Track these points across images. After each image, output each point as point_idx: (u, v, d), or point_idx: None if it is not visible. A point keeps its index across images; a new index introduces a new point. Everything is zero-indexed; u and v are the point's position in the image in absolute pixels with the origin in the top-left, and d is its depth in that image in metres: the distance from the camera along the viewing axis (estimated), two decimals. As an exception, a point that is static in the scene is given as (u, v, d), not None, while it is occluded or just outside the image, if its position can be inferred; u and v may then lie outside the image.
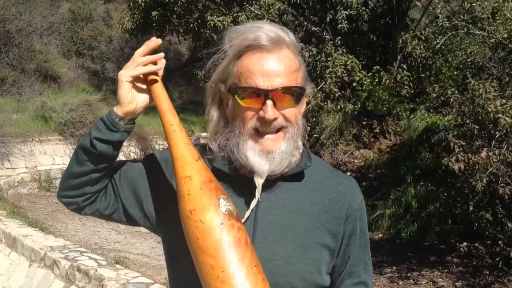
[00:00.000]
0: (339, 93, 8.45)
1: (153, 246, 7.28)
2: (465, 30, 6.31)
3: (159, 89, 1.29)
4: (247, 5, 9.04)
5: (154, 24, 10.42)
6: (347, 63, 8.18)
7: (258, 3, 8.61)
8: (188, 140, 1.25)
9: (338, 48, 8.29)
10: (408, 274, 5.85)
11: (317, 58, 8.34)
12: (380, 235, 7.32)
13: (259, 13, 8.49)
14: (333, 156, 9.64)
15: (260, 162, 1.24)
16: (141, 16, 10.38)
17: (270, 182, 1.30)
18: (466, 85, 5.67)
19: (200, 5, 9.62)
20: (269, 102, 1.22)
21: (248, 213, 1.26)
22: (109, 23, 22.91)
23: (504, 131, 4.96)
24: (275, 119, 1.24)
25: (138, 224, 1.42)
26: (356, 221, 1.36)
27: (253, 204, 1.27)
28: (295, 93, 1.27)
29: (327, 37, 8.66)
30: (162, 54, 1.29)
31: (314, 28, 9.10)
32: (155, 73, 1.30)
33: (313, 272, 1.29)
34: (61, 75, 19.71)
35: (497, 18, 6.03)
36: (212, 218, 1.15)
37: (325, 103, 8.20)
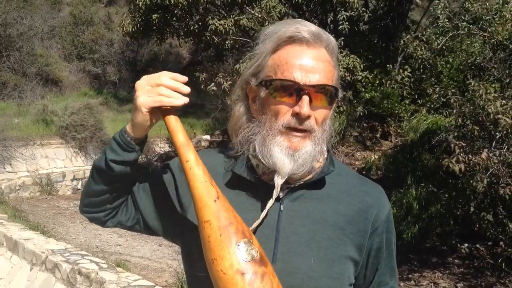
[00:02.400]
0: (341, 95, 8.46)
1: (154, 249, 7.28)
2: (466, 30, 6.31)
3: (173, 121, 1.21)
4: (248, 8, 9.06)
5: (154, 27, 10.43)
6: (349, 62, 8.18)
7: (259, 6, 8.62)
8: (206, 177, 1.17)
9: (342, 50, 8.29)
10: (410, 276, 5.84)
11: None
12: (382, 237, 7.30)
13: (260, 16, 8.50)
14: (334, 157, 9.64)
15: (284, 160, 1.19)
16: (141, 19, 10.38)
17: (293, 190, 1.26)
18: (467, 86, 5.68)
19: (200, 8, 9.63)
20: (305, 98, 1.18)
21: (263, 214, 1.21)
22: (110, 27, 22.95)
23: (505, 132, 4.96)
24: (309, 117, 1.19)
25: (156, 233, 1.40)
26: (383, 233, 1.32)
27: (269, 204, 1.21)
28: (329, 93, 1.22)
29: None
30: (188, 89, 1.20)
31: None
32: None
33: (336, 286, 1.24)
34: (62, 78, 19.76)
35: (497, 19, 6.03)
36: (233, 269, 1.10)
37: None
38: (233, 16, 8.86)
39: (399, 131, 9.65)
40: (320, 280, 1.22)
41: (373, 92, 9.06)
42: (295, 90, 1.19)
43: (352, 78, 8.36)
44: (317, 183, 1.28)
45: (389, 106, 9.18)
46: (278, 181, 1.21)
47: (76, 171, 12.22)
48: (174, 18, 10.21)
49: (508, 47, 5.92)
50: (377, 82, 9.04)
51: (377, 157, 9.24)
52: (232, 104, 1.33)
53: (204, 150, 1.40)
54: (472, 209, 5.38)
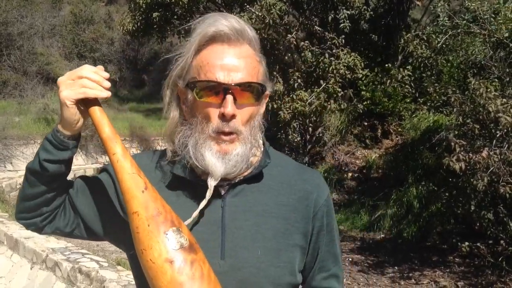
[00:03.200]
0: (341, 93, 8.45)
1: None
2: (466, 29, 6.31)
3: (97, 113, 1.21)
4: (248, 6, 9.05)
5: (155, 26, 10.44)
6: (350, 60, 8.17)
7: (259, 4, 8.61)
8: (133, 169, 1.18)
9: (343, 48, 8.29)
10: (410, 274, 5.85)
11: (320, 59, 8.34)
12: (382, 235, 7.31)
13: (260, 14, 8.50)
14: (334, 157, 9.64)
15: (216, 163, 1.20)
16: (142, 17, 10.39)
17: (234, 186, 1.27)
18: (467, 85, 5.67)
19: (201, 6, 9.64)
20: (229, 97, 1.18)
21: (195, 213, 1.22)
22: (110, 25, 22.97)
23: (505, 130, 4.96)
24: (234, 116, 1.19)
25: (99, 238, 1.38)
26: (323, 217, 1.33)
27: (202, 204, 1.22)
28: (255, 90, 1.22)
29: (329, 36, 8.66)
30: (109, 84, 1.21)
31: (316, 27, 9.11)
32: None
33: (286, 274, 1.26)
34: (63, 77, 19.77)
35: (499, 18, 6.03)
36: (162, 257, 1.10)
37: (329, 103, 8.20)
38: (234, 14, 8.85)
39: (399, 129, 9.65)
40: (268, 270, 1.24)
41: (373, 91, 9.06)
42: (219, 90, 1.19)
43: (353, 76, 8.36)
44: (256, 177, 1.29)
45: (391, 105, 9.18)
46: (211, 182, 1.22)
47: (76, 170, 12.23)
48: (175, 17, 10.21)
49: (508, 45, 5.92)
50: (377, 80, 9.04)
51: (377, 155, 9.25)
52: (164, 107, 1.33)
53: (142, 152, 1.42)
54: (472, 208, 5.38)
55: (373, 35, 10.22)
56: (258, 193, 1.28)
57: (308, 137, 9.44)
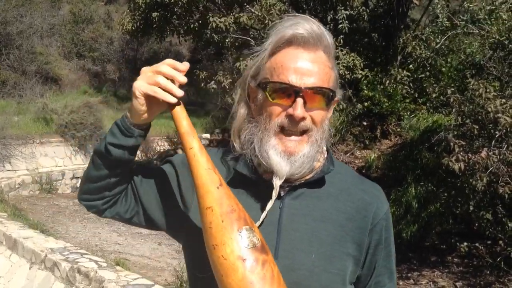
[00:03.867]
0: (340, 96, 8.46)
1: (154, 248, 7.28)
2: (465, 29, 6.31)
3: (177, 109, 1.20)
4: (247, 6, 9.05)
5: (154, 25, 10.43)
6: (349, 60, 8.18)
7: (259, 4, 8.61)
8: (209, 165, 1.18)
9: (342, 48, 8.29)
10: (409, 274, 5.85)
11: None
12: (381, 236, 7.31)
13: (260, 14, 8.50)
14: (333, 156, 9.64)
15: (280, 163, 1.21)
16: (141, 17, 10.38)
17: (294, 189, 1.28)
18: (466, 85, 5.68)
19: (200, 6, 9.63)
20: (299, 100, 1.19)
21: (263, 215, 1.23)
22: (109, 25, 22.95)
23: (504, 130, 4.96)
24: (303, 118, 1.21)
25: (159, 228, 1.39)
26: (382, 230, 1.33)
27: (269, 205, 1.23)
28: (326, 95, 1.24)
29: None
30: (185, 79, 1.20)
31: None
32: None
33: (338, 282, 1.26)
34: (62, 76, 19.76)
35: (493, 20, 6.03)
36: (234, 255, 1.10)
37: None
38: (233, 13, 8.85)
39: (398, 130, 9.65)
40: (321, 275, 1.24)
41: (374, 91, 9.06)
42: (290, 93, 1.21)
43: (352, 76, 8.36)
44: (318, 182, 1.30)
45: (390, 105, 9.18)
46: (277, 182, 1.23)
47: (75, 170, 12.22)
48: (174, 16, 10.21)
49: (507, 46, 5.92)
50: (377, 80, 9.04)
51: (376, 155, 9.25)
52: (234, 104, 1.35)
53: (207, 149, 1.41)
54: (471, 208, 5.39)
55: (373, 35, 10.22)
56: (317, 199, 1.29)
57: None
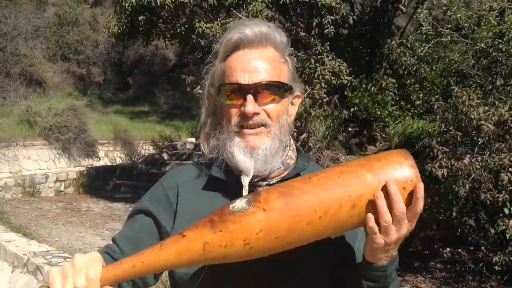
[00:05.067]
0: (327, 98, 8.49)
1: (138, 252, 7.23)
2: (449, 37, 6.39)
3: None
4: (234, 11, 9.06)
5: (140, 29, 10.39)
6: (335, 66, 8.22)
7: (246, 10, 8.63)
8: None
9: (328, 54, 8.34)
10: (393, 280, 5.87)
11: (306, 65, 8.38)
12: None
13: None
14: (319, 162, 9.68)
15: (244, 159, 1.25)
16: (127, 20, 10.33)
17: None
18: (450, 92, 5.74)
19: (187, 10, 9.62)
20: (249, 97, 1.24)
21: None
22: (95, 28, 22.84)
23: (487, 138, 5.03)
24: (256, 114, 1.25)
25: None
26: None
27: None
28: (277, 89, 1.28)
29: (315, 42, 8.70)
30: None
31: (301, 33, 9.15)
32: None
33: (322, 273, 1.30)
34: (47, 79, 19.60)
35: (482, 25, 6.11)
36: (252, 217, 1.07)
37: (314, 109, 8.23)
38: (220, 19, 8.86)
39: (384, 136, 9.72)
40: (308, 266, 1.27)
41: (359, 97, 9.12)
42: (240, 92, 1.26)
43: (338, 82, 8.41)
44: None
45: (377, 112, 9.24)
46: (245, 179, 1.27)
47: (59, 173, 12.12)
48: (161, 20, 10.18)
49: (490, 54, 6.00)
50: (362, 87, 9.10)
51: (361, 161, 9.30)
52: (202, 114, 1.40)
53: (176, 167, 1.47)
54: (454, 214, 5.44)
55: (358, 42, 10.29)
56: None
57: (295, 136, 9.47)
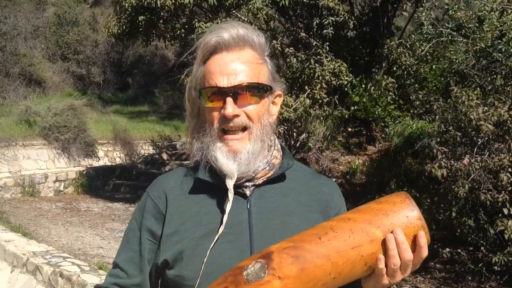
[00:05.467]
0: (327, 99, 8.50)
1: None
2: (449, 37, 6.39)
3: None
4: (234, 11, 9.06)
5: (140, 29, 10.39)
6: (335, 67, 8.23)
7: (246, 8, 8.62)
8: None
9: (327, 55, 8.34)
10: (392, 280, 5.87)
11: (306, 65, 8.38)
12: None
13: (246, 19, 8.51)
14: (318, 162, 9.67)
15: (227, 163, 1.27)
16: (127, 20, 10.33)
17: (258, 187, 1.33)
18: (449, 93, 5.74)
19: (187, 10, 9.61)
20: (228, 99, 1.25)
21: (225, 218, 1.26)
22: (95, 27, 22.82)
23: (486, 138, 5.03)
24: (236, 116, 1.26)
25: None
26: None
27: (228, 207, 1.27)
28: (256, 90, 1.29)
29: (314, 43, 8.71)
30: None
31: (301, 34, 9.16)
32: None
33: None
34: (46, 79, 19.58)
35: (485, 25, 6.10)
36: None
37: (313, 109, 8.24)
38: (219, 19, 8.86)
39: (383, 136, 9.72)
40: None
41: (359, 97, 9.12)
42: (220, 94, 1.27)
43: (338, 82, 8.41)
44: (279, 178, 1.36)
45: (377, 112, 9.25)
46: (229, 182, 1.28)
47: (58, 173, 12.11)
48: (161, 21, 10.18)
49: (490, 54, 6.00)
50: (362, 87, 9.11)
51: (361, 161, 9.30)
52: (187, 118, 1.42)
53: (158, 177, 1.46)
54: (453, 214, 5.44)
55: (358, 43, 10.29)
56: (281, 195, 1.35)
57: (292, 142, 9.47)
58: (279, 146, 1.39)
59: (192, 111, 1.39)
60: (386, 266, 1.13)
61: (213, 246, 1.25)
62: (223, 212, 1.28)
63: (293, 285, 1.09)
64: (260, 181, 1.32)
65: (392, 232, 1.11)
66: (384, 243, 1.11)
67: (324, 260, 1.10)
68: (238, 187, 1.30)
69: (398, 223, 1.11)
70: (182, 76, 8.34)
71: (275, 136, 1.39)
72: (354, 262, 1.11)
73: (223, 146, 1.28)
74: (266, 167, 1.33)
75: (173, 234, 1.31)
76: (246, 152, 1.28)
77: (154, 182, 1.43)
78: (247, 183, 1.32)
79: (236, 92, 1.26)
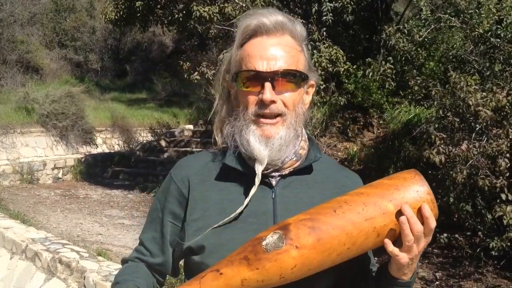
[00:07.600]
0: (324, 85, 8.47)
1: (136, 238, 7.25)
2: (448, 23, 6.36)
3: None
4: (232, -4, 9.00)
5: (138, 15, 10.32)
6: (332, 53, 8.20)
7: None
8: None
9: (324, 41, 8.30)
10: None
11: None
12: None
13: (244, 5, 8.46)
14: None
15: (260, 148, 1.26)
16: (125, 6, 10.26)
17: (284, 177, 1.33)
18: (448, 78, 5.73)
19: (184, -5, 9.54)
20: (267, 85, 1.24)
21: (247, 200, 1.27)
22: (92, 14, 22.68)
23: (484, 124, 5.03)
24: (273, 102, 1.25)
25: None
26: None
27: (252, 191, 1.27)
28: (294, 78, 1.28)
29: (313, 28, 8.67)
30: None
31: (299, 20, 9.12)
32: None
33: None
34: (44, 66, 19.50)
35: (482, 12, 6.08)
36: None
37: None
38: (217, 4, 8.80)
39: (381, 122, 9.72)
40: None
41: (355, 83, 9.10)
42: (258, 79, 1.26)
43: (335, 69, 8.39)
44: (306, 169, 1.35)
45: (373, 98, 9.23)
46: (258, 168, 1.27)
47: (57, 160, 12.11)
48: (158, 6, 10.11)
49: (488, 40, 5.98)
50: (360, 73, 9.08)
51: (359, 148, 9.31)
52: (216, 100, 1.40)
53: (184, 159, 1.46)
54: (451, 200, 5.45)
55: (356, 28, 10.25)
56: (306, 187, 1.34)
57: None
58: (306, 136, 1.37)
59: (222, 95, 1.38)
60: (400, 244, 1.18)
61: (229, 224, 1.27)
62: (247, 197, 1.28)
63: (310, 254, 1.13)
64: (286, 171, 1.32)
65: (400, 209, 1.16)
66: (400, 226, 1.17)
67: (339, 231, 1.14)
68: (264, 176, 1.29)
69: (409, 197, 1.16)
70: (184, 64, 8.30)
71: (303, 127, 1.37)
72: (367, 233, 1.15)
73: (256, 129, 1.27)
74: (293, 158, 1.32)
75: (197, 220, 1.31)
76: (279, 138, 1.27)
77: (178, 164, 1.42)
78: (274, 173, 1.31)
79: (274, 78, 1.25)
